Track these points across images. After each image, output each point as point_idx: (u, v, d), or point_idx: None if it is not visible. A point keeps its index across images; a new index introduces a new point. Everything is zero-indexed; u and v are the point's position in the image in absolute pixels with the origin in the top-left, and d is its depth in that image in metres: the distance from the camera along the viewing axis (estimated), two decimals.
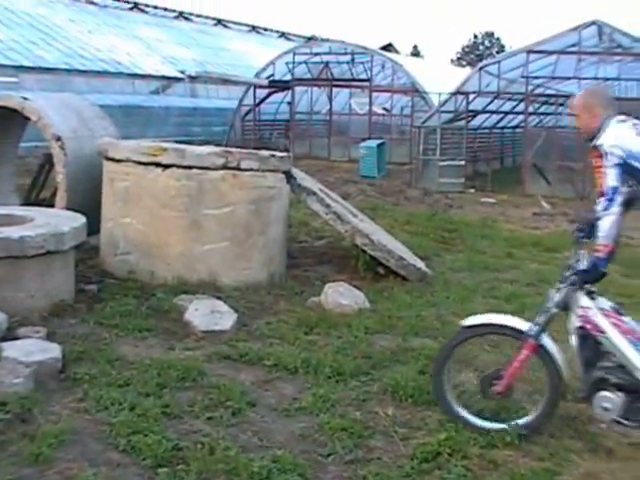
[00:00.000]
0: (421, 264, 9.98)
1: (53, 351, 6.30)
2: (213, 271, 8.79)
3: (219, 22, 45.44)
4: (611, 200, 5.01)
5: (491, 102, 25.15)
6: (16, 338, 6.64)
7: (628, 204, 5.18)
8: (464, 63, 75.99)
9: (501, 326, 5.49)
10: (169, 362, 6.35)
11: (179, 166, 8.74)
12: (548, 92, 25.04)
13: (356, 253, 9.75)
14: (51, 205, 9.97)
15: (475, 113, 24.52)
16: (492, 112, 26.08)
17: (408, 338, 7.46)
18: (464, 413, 5.52)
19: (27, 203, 11.27)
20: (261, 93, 30.60)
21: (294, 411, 5.75)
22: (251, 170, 8.95)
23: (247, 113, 30.80)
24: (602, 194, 5.05)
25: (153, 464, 4.79)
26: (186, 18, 42.51)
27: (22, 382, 5.63)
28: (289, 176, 9.58)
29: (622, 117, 5.34)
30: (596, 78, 22.63)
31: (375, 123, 29.73)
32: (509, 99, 25.54)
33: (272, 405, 5.84)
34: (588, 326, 5.14)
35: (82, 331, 7.13)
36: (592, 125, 5.31)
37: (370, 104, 29.31)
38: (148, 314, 7.72)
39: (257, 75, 30.86)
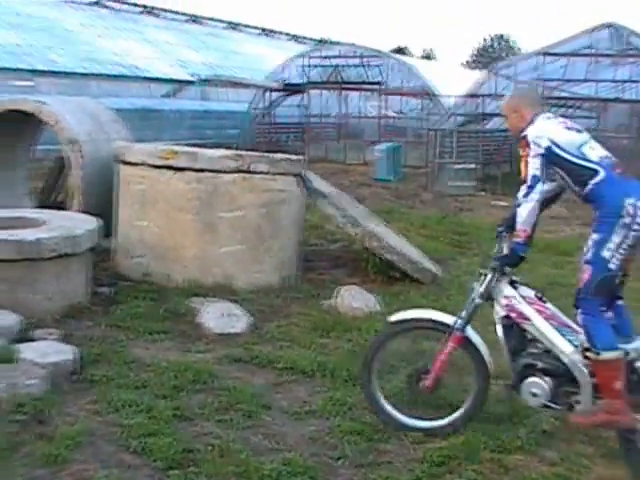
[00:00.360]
0: (436, 268, 9.99)
1: (68, 353, 6.36)
2: (227, 274, 8.83)
3: (230, 25, 45.48)
4: (531, 187, 5.10)
5: None
6: (32, 340, 6.71)
7: (555, 198, 5.51)
8: (477, 66, 75.76)
9: (427, 320, 5.57)
10: (185, 364, 6.40)
11: (192, 169, 8.80)
12: (562, 95, 24.90)
13: (367, 257, 9.75)
14: (66, 208, 10.03)
15: (489, 116, 24.45)
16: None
17: (420, 341, 7.45)
18: (395, 413, 5.58)
19: (42, 206, 11.32)
20: (274, 96, 30.63)
21: (305, 414, 5.77)
22: (262, 173, 8.98)
23: (260, 116, 30.83)
24: (524, 181, 5.16)
25: (164, 466, 4.83)
26: (197, 21, 42.55)
27: (38, 383, 5.68)
28: (302, 179, 9.59)
29: (549, 114, 5.48)
30: (611, 80, 22.61)
31: (390, 126, 29.64)
32: None
33: (284, 408, 5.87)
34: (513, 314, 5.26)
35: (98, 333, 7.20)
36: (520, 125, 5.38)
37: (382, 107, 29.26)
38: (163, 317, 7.77)
39: (269, 78, 30.87)
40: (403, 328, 5.63)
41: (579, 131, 5.32)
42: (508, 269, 5.35)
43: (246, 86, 30.82)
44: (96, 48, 28.50)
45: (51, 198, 12.07)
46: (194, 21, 41.99)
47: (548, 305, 5.33)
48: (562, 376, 5.16)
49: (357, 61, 30.39)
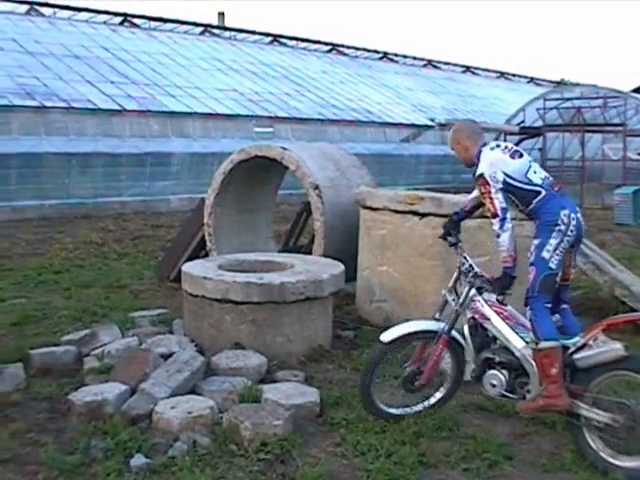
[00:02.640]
0: None
1: (311, 395, 6.48)
2: None
3: (467, 69, 45.67)
4: (504, 219, 5.77)
5: None
6: (275, 381, 6.89)
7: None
8: None
9: (416, 333, 6.28)
10: (425, 411, 6.35)
11: (435, 214, 8.74)
12: None
13: (615, 305, 9.40)
14: (308, 252, 10.25)
15: None
16: None
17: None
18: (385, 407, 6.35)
19: (285, 249, 11.62)
20: (512, 140, 30.33)
21: (551, 466, 5.58)
22: None
23: None
24: (494, 215, 5.78)
25: None
26: (434, 66, 43.00)
27: (282, 424, 5.77)
28: None
29: (493, 144, 6.11)
30: None
31: (630, 169, 28.74)
32: None
33: (529, 459, 5.70)
34: (477, 316, 6.00)
35: (339, 376, 7.28)
36: (466, 155, 6.14)
37: (624, 149, 28.40)
38: (401, 362, 7.73)
39: (507, 121, 30.72)
40: (396, 346, 6.39)
41: (521, 155, 6.00)
42: (478, 282, 6.07)
43: (485, 130, 30.72)
44: (333, 94, 29.26)
45: (293, 242, 12.36)
46: (432, 66, 42.47)
47: (507, 308, 6.02)
48: (516, 369, 5.85)
49: (597, 102, 29.65)
